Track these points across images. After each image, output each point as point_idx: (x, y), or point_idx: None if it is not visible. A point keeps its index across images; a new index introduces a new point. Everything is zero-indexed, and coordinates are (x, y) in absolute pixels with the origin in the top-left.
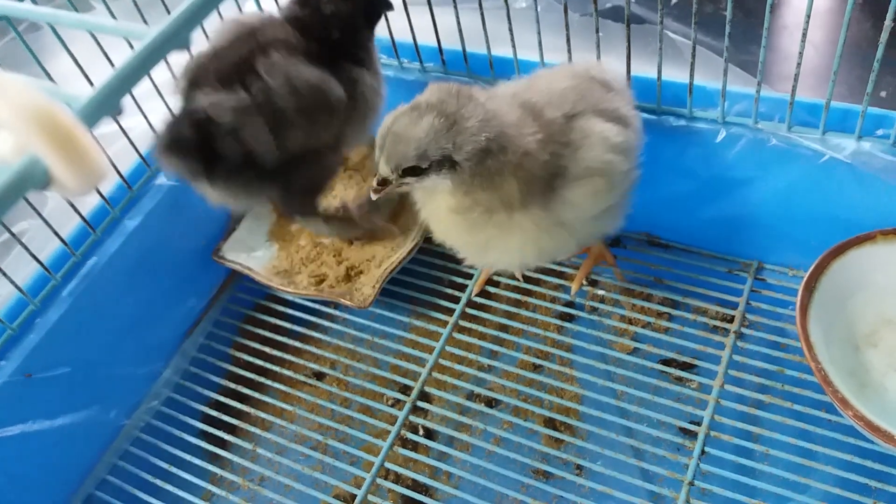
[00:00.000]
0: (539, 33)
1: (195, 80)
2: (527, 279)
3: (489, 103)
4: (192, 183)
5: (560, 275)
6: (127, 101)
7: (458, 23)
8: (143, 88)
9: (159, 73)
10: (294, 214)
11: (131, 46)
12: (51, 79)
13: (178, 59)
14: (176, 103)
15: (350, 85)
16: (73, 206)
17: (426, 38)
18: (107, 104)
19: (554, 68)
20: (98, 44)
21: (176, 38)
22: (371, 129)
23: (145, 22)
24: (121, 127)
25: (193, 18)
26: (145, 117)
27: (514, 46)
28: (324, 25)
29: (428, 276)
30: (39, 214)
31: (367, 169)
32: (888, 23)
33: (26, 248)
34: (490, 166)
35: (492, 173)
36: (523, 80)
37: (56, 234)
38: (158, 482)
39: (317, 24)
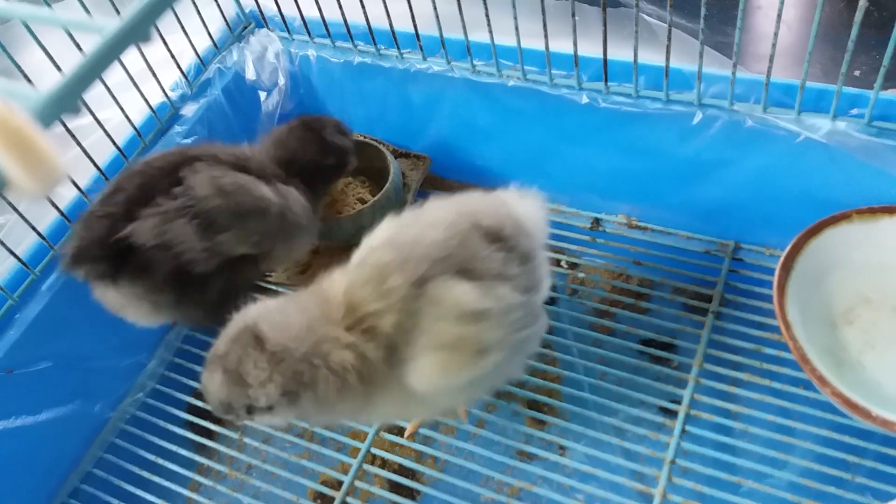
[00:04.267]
0: (515, 18)
1: (117, 187)
2: None
3: (275, 336)
4: (94, 285)
5: None
6: (102, 92)
7: (435, 8)
8: (118, 79)
9: (135, 62)
10: (200, 323)
11: None
12: (22, 72)
13: (152, 48)
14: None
15: (285, 199)
16: (50, 200)
17: (403, 24)
18: (64, 103)
19: (445, 205)
20: (71, 36)
21: (135, 31)
22: (300, 249)
23: (118, 14)
24: (96, 119)
25: (154, 11)
26: (121, 109)
27: (490, 32)
28: (322, 152)
29: None
30: (15, 209)
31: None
32: (862, 2)
33: (3, 244)
34: (309, 389)
35: (318, 392)
36: (409, 216)
37: (33, 228)
38: (145, 474)
39: (314, 149)
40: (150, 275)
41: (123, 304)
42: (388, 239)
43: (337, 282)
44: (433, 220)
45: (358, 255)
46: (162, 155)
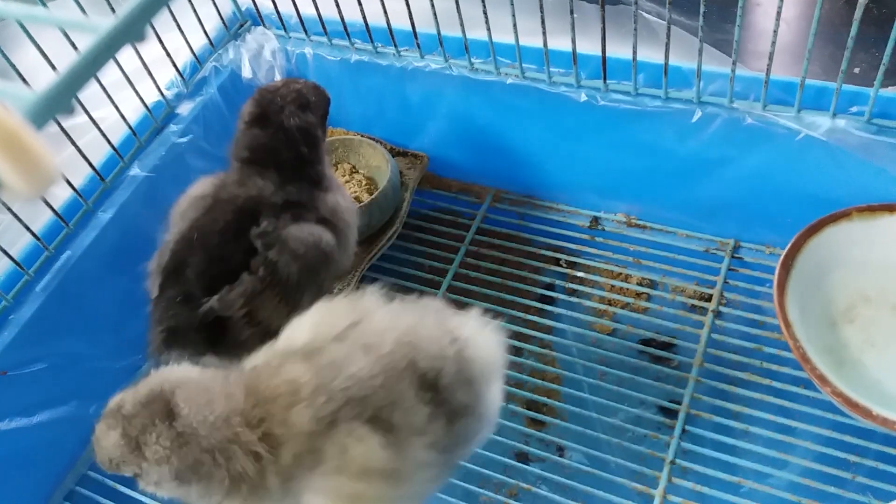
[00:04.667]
0: (514, 15)
1: (178, 265)
2: (506, 263)
3: (187, 415)
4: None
5: (539, 257)
6: (97, 91)
7: (433, 5)
8: (113, 78)
9: (130, 61)
10: None
11: None
12: (17, 72)
13: (147, 47)
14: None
15: (333, 216)
16: (44, 200)
17: (400, 22)
18: (57, 103)
19: (389, 322)
20: (66, 36)
21: (130, 31)
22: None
23: (113, 12)
24: (91, 118)
25: (149, 9)
26: (116, 108)
27: (488, 29)
28: (289, 144)
29: (408, 261)
30: (10, 210)
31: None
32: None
33: None
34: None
35: (209, 487)
36: (345, 311)
37: (28, 228)
38: None
39: (281, 144)
40: (242, 345)
41: (219, 363)
42: (311, 346)
43: (261, 370)
44: (368, 341)
45: (283, 340)
46: (212, 210)
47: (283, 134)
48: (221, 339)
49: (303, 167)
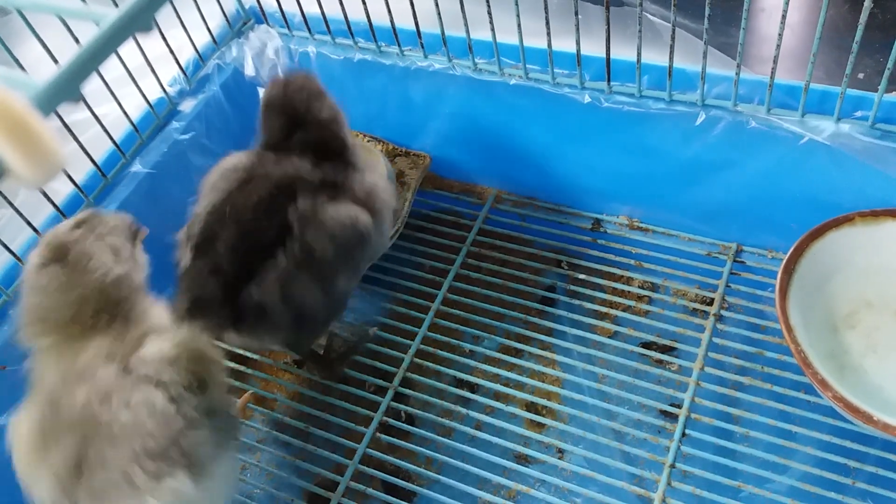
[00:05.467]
0: (518, 16)
1: (209, 236)
2: (507, 265)
3: None
4: (214, 335)
5: (541, 259)
6: (100, 87)
7: (437, 5)
8: (116, 74)
9: (133, 58)
10: (291, 350)
11: None
12: (19, 64)
13: (150, 43)
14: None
15: (369, 197)
16: (45, 195)
17: (404, 21)
18: (65, 91)
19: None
20: (67, 27)
21: (136, 21)
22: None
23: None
24: (94, 114)
25: (155, 0)
26: (119, 104)
27: (492, 30)
28: (320, 130)
29: (409, 262)
30: (11, 204)
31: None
32: (867, 4)
33: None
34: None
35: None
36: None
37: (29, 223)
38: None
39: (316, 134)
40: (272, 323)
41: (239, 342)
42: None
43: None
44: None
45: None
46: (244, 185)
47: (312, 119)
48: (246, 317)
49: (334, 149)
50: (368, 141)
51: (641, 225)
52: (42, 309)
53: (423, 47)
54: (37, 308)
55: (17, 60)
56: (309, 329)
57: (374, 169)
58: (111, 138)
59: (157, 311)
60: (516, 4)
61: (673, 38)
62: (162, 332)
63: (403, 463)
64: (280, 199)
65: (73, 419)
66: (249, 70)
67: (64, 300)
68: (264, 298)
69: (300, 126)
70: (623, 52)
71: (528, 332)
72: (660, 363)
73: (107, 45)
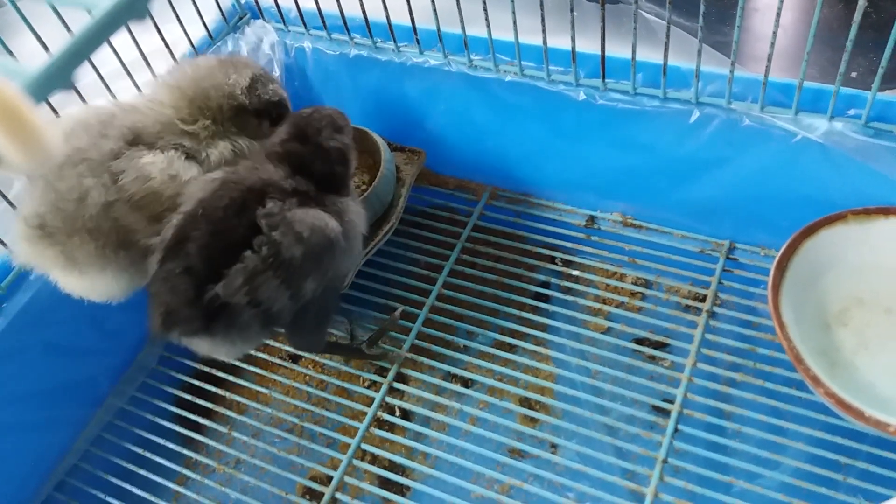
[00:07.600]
0: (514, 13)
1: (180, 239)
2: (502, 261)
3: None
4: (185, 341)
5: (535, 255)
6: (95, 81)
7: (433, 2)
8: (111, 68)
9: (128, 51)
10: (303, 351)
11: None
12: (13, 56)
13: (145, 37)
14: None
15: (338, 217)
16: None
17: (400, 17)
18: (57, 78)
19: None
20: (61, 19)
21: (131, 9)
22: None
23: None
24: None
25: None
26: (113, 97)
27: (488, 26)
28: (323, 161)
29: (404, 257)
30: (5, 197)
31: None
32: (861, 3)
33: None
34: None
35: None
36: None
37: None
38: (132, 467)
39: (315, 160)
40: (243, 326)
41: (215, 349)
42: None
43: None
44: None
45: None
46: (218, 190)
47: (321, 153)
48: (218, 317)
49: (334, 182)
50: None
51: (635, 222)
52: None
53: (418, 43)
54: None
55: (11, 53)
56: (308, 330)
57: (353, 195)
58: None
59: None
60: (512, 1)
61: (668, 36)
62: None
63: (397, 457)
64: (251, 201)
65: None
66: None
67: None
68: (230, 298)
69: (311, 152)
70: (618, 50)
71: (521, 328)
72: (652, 359)
73: (100, 32)
